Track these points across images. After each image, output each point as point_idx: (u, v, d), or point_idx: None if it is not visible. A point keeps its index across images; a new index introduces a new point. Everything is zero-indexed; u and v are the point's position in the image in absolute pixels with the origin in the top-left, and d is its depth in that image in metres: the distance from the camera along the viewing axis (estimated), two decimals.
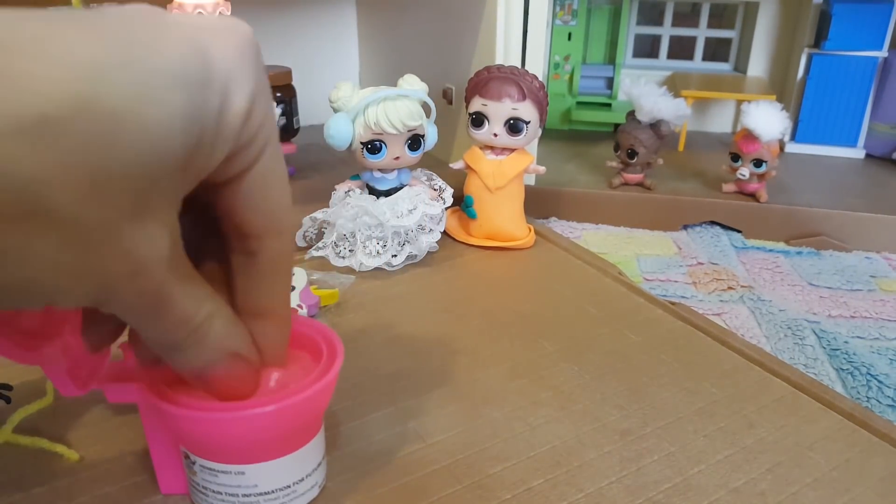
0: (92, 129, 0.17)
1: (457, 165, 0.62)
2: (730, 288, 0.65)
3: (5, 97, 0.16)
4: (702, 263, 0.71)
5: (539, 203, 0.79)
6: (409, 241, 0.54)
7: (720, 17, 1.10)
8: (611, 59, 1.08)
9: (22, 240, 0.17)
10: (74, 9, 0.19)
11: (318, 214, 0.56)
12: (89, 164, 0.17)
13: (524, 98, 0.56)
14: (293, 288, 0.47)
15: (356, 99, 0.51)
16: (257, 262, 0.25)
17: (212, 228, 0.25)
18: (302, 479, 0.29)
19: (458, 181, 0.61)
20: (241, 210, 0.23)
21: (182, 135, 0.19)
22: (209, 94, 0.20)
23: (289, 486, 0.28)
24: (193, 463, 0.28)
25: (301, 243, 0.58)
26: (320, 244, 0.56)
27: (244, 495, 0.28)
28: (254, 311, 0.26)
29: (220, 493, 0.28)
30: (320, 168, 0.78)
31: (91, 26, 0.18)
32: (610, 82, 1.05)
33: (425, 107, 0.53)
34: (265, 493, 0.28)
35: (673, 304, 0.50)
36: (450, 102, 0.78)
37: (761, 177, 0.77)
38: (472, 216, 0.60)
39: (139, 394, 0.27)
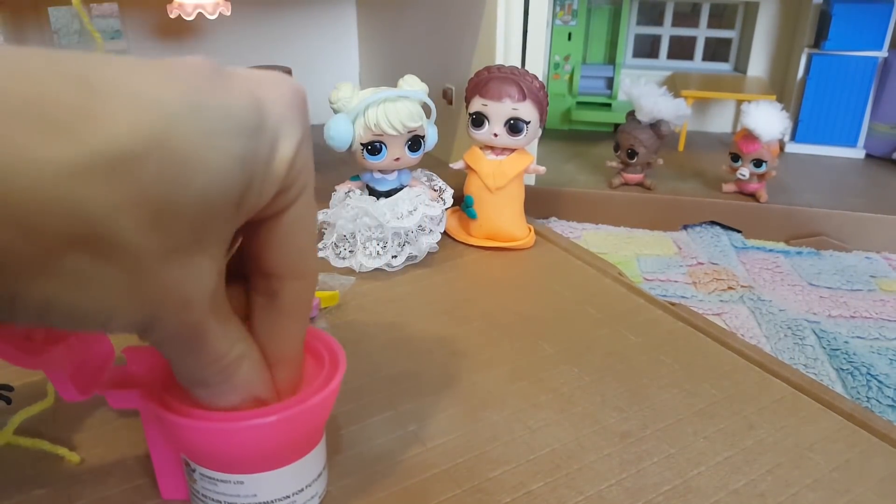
0: (162, 166, 0.18)
1: (457, 165, 0.62)
2: (730, 288, 0.65)
3: (88, 134, 0.17)
4: (702, 263, 0.71)
5: (539, 203, 0.79)
6: (409, 242, 0.55)
7: (720, 17, 1.10)
8: (611, 59, 1.08)
9: (91, 266, 0.18)
10: (147, 59, 0.20)
11: (318, 215, 0.56)
12: (157, 199, 0.18)
13: (524, 98, 0.56)
14: None
15: (356, 100, 0.51)
16: (277, 303, 0.25)
17: (237, 266, 0.25)
18: (302, 490, 0.29)
19: (458, 181, 0.61)
20: (270, 250, 0.24)
21: (238, 177, 0.20)
22: (262, 141, 0.21)
23: (288, 497, 0.28)
24: (193, 471, 0.28)
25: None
26: (320, 245, 0.56)
27: None
28: (269, 351, 0.26)
29: (220, 502, 0.28)
30: (320, 169, 0.77)
31: (164, 73, 0.19)
32: (610, 82, 1.05)
33: (425, 107, 0.53)
34: (264, 503, 0.28)
35: (673, 304, 0.50)
36: (450, 102, 0.78)
37: (761, 177, 0.77)
38: (472, 216, 0.60)
39: (141, 400, 0.27)
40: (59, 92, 0.17)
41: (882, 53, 0.92)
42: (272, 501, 0.28)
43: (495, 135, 0.57)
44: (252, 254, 0.25)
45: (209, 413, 0.25)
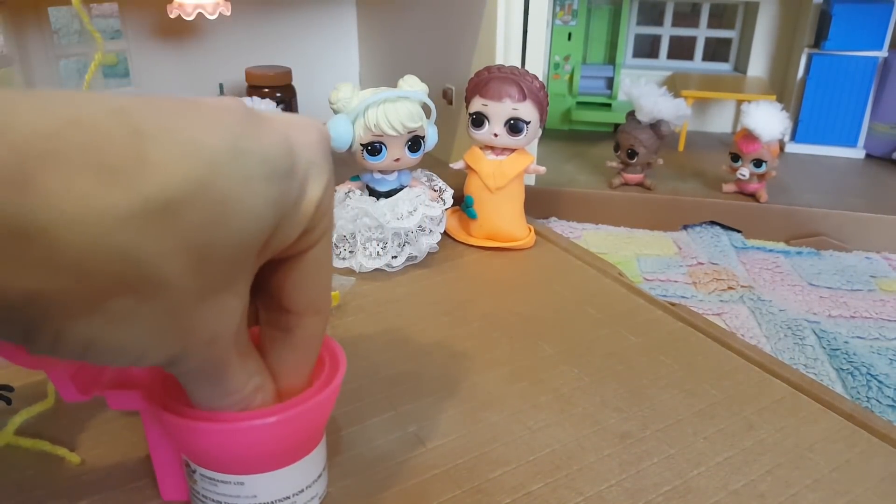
0: (206, 211, 0.19)
1: (457, 166, 0.62)
2: (730, 288, 0.65)
3: (142, 182, 0.17)
4: (702, 263, 0.71)
5: (539, 203, 0.79)
6: (409, 243, 0.55)
7: (720, 17, 1.10)
8: (611, 59, 1.08)
9: (135, 307, 0.19)
10: (185, 100, 0.20)
11: None
12: (199, 242, 0.19)
13: (524, 98, 0.56)
14: None
15: (356, 100, 0.51)
16: (292, 338, 0.26)
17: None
18: (302, 491, 0.29)
19: (458, 181, 0.61)
20: (291, 287, 0.25)
21: (271, 219, 0.21)
22: (293, 184, 0.22)
23: (288, 498, 0.28)
24: (194, 472, 0.28)
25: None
26: None
27: None
28: (279, 379, 0.27)
29: (220, 503, 0.28)
30: None
31: (207, 117, 0.20)
32: (610, 82, 1.05)
33: (425, 108, 0.53)
34: None
35: (673, 305, 0.50)
36: (450, 103, 0.78)
37: (761, 177, 0.77)
38: (472, 216, 0.60)
39: (141, 401, 0.27)
40: (113, 139, 0.17)
41: (882, 53, 0.92)
42: (272, 502, 0.28)
43: (495, 135, 0.58)
44: (272, 290, 0.25)
45: (210, 414, 0.25)
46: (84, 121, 0.17)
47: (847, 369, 0.52)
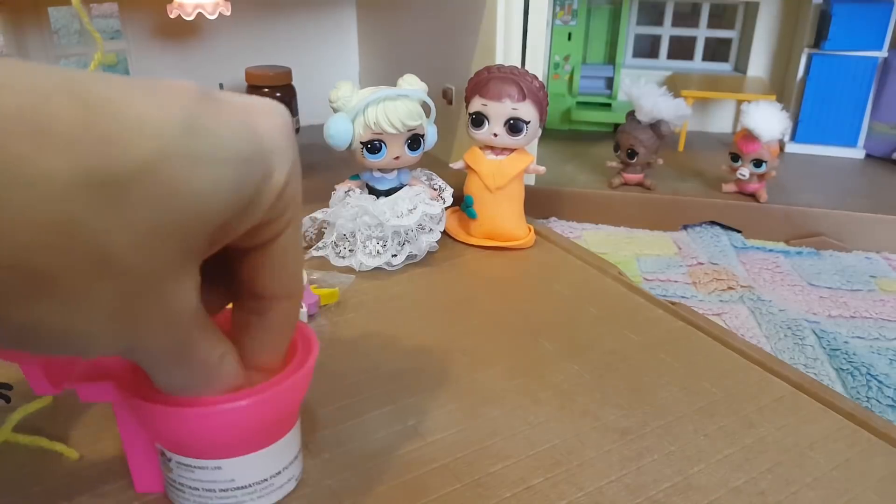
0: (154, 189, 0.18)
1: (457, 165, 0.62)
2: (730, 288, 0.65)
3: (81, 151, 0.17)
4: (702, 263, 0.71)
5: (539, 203, 0.79)
6: (409, 241, 0.54)
7: (720, 17, 1.10)
8: (611, 59, 1.08)
9: (84, 284, 0.18)
10: (139, 79, 0.20)
11: (318, 214, 0.56)
12: (148, 220, 0.18)
13: (524, 98, 0.56)
14: None
15: (356, 99, 0.51)
16: (266, 321, 0.27)
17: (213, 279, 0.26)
18: (279, 473, 0.29)
19: (458, 181, 0.61)
20: (262, 274, 0.25)
21: (229, 203, 0.20)
22: (254, 168, 0.21)
23: (266, 480, 0.28)
24: (169, 460, 0.28)
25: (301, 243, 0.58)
26: (320, 244, 0.56)
27: (221, 490, 0.28)
28: (255, 361, 0.27)
29: (198, 489, 0.28)
30: (320, 168, 0.77)
31: (159, 96, 0.19)
32: (610, 82, 1.05)
33: (425, 106, 0.53)
34: (242, 488, 0.28)
35: (673, 303, 0.50)
36: (450, 102, 0.78)
37: (761, 177, 0.77)
38: (472, 216, 0.60)
39: (113, 393, 0.27)
40: (56, 105, 0.17)
41: (882, 53, 0.92)
42: (250, 485, 0.28)
43: (495, 135, 0.57)
44: (244, 278, 0.26)
45: (185, 399, 0.25)
46: (26, 84, 0.17)
47: (847, 369, 0.52)
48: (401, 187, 0.55)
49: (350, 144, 0.53)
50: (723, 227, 0.79)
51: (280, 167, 0.22)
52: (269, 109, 0.23)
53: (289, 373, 0.28)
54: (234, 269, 0.26)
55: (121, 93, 0.18)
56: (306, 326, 0.31)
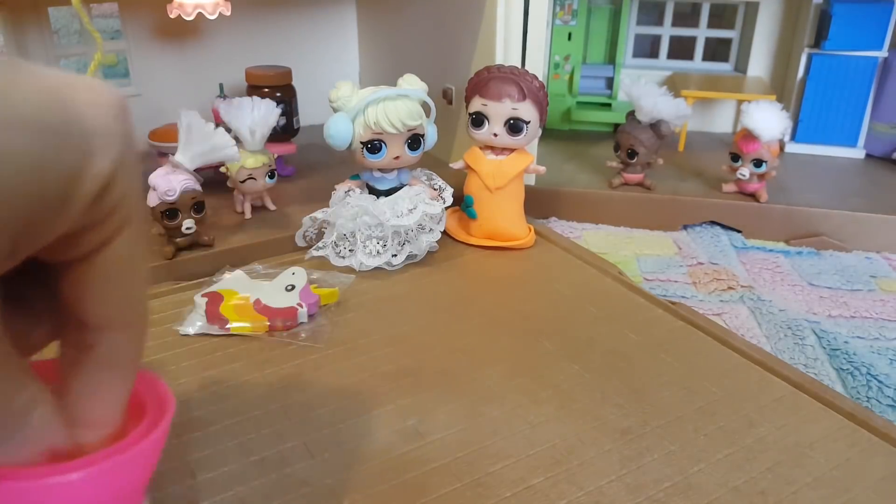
0: None
1: (457, 165, 0.62)
2: (730, 288, 0.65)
3: None
4: (702, 263, 0.70)
5: (539, 203, 0.79)
6: (409, 241, 0.54)
7: (720, 17, 1.10)
8: (611, 59, 1.08)
9: None
10: None
11: (318, 214, 0.56)
12: None
13: (524, 98, 0.56)
14: (293, 287, 0.47)
15: (356, 99, 0.51)
16: (94, 357, 0.21)
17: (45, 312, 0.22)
18: None
19: (458, 181, 0.61)
20: (86, 296, 0.20)
21: (26, 179, 0.16)
22: (67, 147, 0.17)
23: None
24: None
25: (301, 243, 0.58)
26: (320, 244, 0.56)
27: None
28: (81, 413, 0.22)
29: None
30: (320, 168, 0.77)
31: None
32: (610, 82, 1.05)
33: (425, 106, 0.53)
34: None
35: (673, 303, 0.50)
36: (450, 102, 0.78)
37: (761, 177, 0.77)
38: (472, 216, 0.60)
39: None
40: None
41: (882, 53, 0.92)
42: None
43: (495, 135, 0.57)
44: (66, 300, 0.20)
45: (4, 469, 0.19)
46: None
47: (847, 369, 0.52)
48: (401, 187, 0.55)
49: (350, 144, 0.53)
50: (723, 227, 0.79)
51: (104, 152, 0.18)
52: (96, 87, 0.19)
53: (134, 439, 0.22)
54: (57, 290, 0.20)
55: None
56: (160, 380, 0.24)
